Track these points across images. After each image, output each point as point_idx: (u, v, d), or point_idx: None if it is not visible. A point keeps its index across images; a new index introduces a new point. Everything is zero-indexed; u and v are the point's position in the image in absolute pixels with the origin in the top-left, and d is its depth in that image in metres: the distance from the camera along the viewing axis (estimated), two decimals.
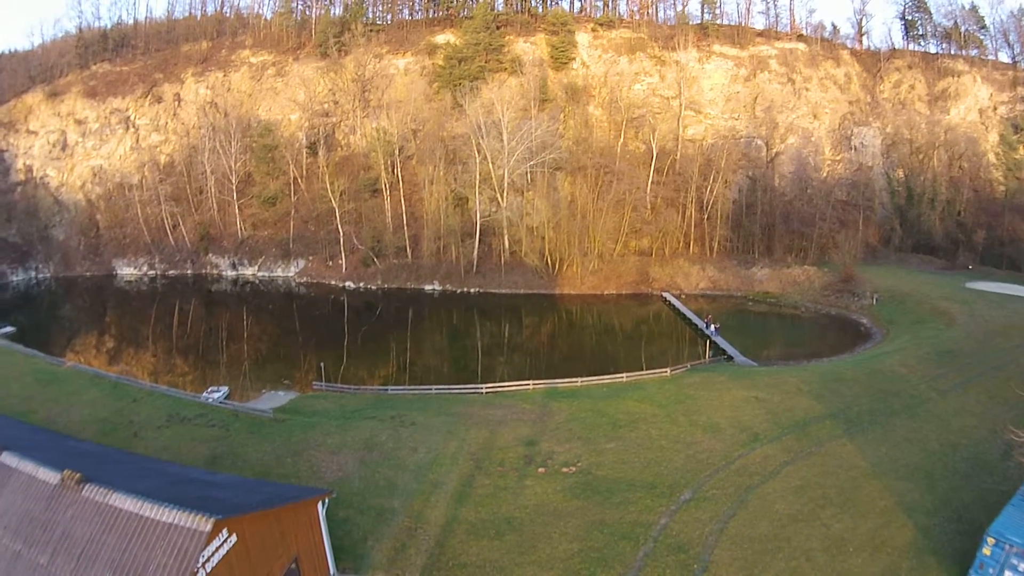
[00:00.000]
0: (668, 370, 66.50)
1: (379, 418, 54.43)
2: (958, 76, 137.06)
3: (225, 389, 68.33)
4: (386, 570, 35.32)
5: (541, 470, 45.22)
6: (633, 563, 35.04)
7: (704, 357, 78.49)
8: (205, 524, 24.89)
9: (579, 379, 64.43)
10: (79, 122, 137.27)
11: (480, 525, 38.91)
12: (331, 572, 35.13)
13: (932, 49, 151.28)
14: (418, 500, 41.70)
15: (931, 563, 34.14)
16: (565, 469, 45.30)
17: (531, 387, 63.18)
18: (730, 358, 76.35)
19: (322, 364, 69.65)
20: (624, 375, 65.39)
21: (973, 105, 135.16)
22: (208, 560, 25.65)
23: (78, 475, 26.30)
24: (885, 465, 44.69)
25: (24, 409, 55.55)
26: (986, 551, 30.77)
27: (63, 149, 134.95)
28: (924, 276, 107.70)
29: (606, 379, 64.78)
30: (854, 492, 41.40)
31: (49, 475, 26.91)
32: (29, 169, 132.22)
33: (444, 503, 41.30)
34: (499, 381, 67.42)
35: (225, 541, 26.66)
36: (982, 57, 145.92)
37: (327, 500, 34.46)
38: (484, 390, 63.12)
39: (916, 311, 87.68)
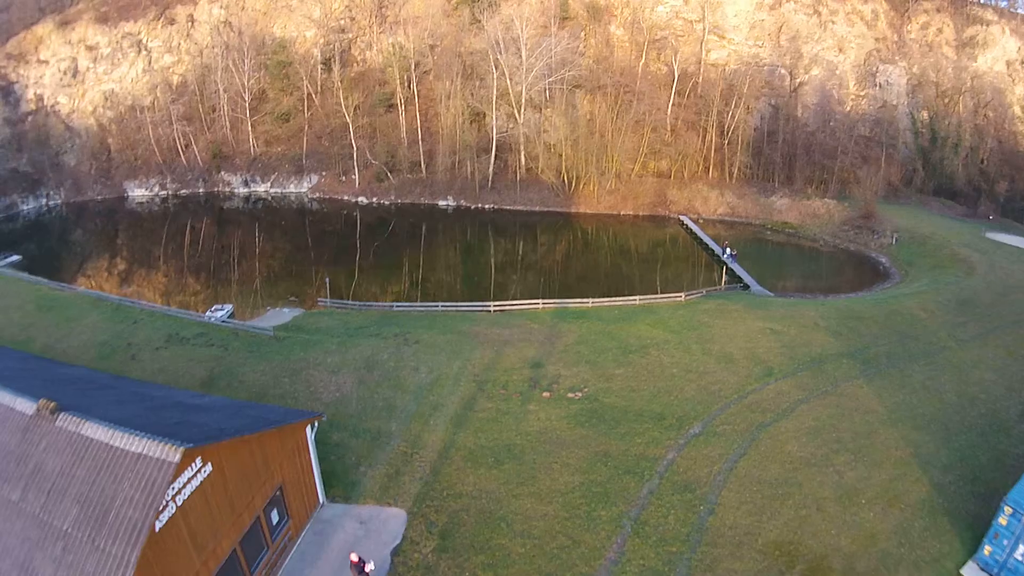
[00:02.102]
0: (682, 295, 63.50)
1: (382, 336, 52.20)
2: (987, 25, 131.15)
3: (229, 307, 66.36)
4: (377, 499, 33.42)
5: (546, 394, 42.94)
6: (636, 500, 32.93)
7: (720, 284, 75.81)
8: (174, 454, 22.96)
9: (590, 300, 61.77)
10: (90, 48, 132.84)
11: (479, 452, 36.88)
12: (320, 501, 33.28)
13: None
14: (416, 423, 39.68)
15: (944, 525, 32.10)
16: (571, 394, 43.01)
17: (540, 306, 60.67)
18: (746, 287, 73.59)
19: (327, 280, 67.32)
20: (637, 298, 62.69)
21: (1000, 56, 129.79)
22: (179, 492, 23.85)
23: (52, 404, 24.44)
24: (902, 412, 42.35)
25: (24, 337, 54.43)
26: (1002, 520, 28.43)
27: (74, 76, 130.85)
28: (944, 220, 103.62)
29: (618, 301, 62.17)
30: (869, 438, 39.19)
31: (26, 405, 25.08)
32: (40, 98, 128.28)
33: (443, 427, 39.27)
34: (512, 299, 65.50)
35: (199, 471, 24.85)
36: (1011, 9, 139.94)
37: (317, 424, 32.39)
38: (492, 308, 60.63)
39: (935, 255, 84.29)
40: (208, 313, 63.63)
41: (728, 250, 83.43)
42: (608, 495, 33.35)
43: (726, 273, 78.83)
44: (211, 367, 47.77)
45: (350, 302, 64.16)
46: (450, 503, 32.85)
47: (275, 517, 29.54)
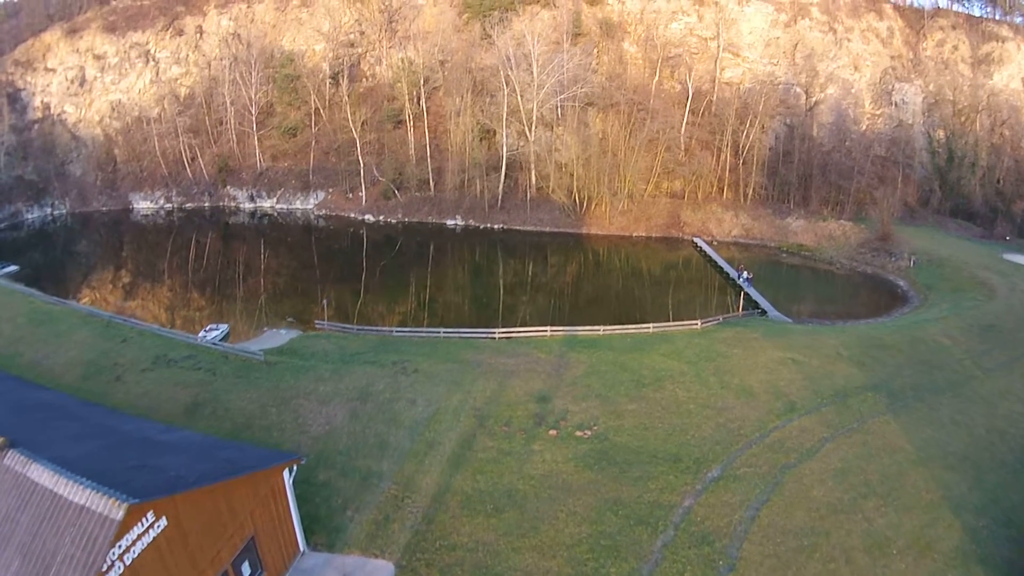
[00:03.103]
0: (698, 322, 59.65)
1: (379, 363, 48.87)
2: (1002, 42, 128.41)
3: (224, 327, 63.87)
4: (363, 548, 30.27)
5: (552, 432, 39.52)
6: (649, 555, 29.69)
7: (736, 309, 72.65)
8: (118, 510, 20.32)
9: (601, 327, 57.95)
10: (98, 57, 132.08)
11: (477, 497, 33.59)
12: (300, 549, 30.05)
13: (976, 12, 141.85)
14: (410, 463, 36.41)
15: (979, 574, 29.66)
16: (579, 433, 39.61)
17: (548, 334, 56.96)
18: (763, 312, 70.24)
19: (324, 302, 64.19)
20: (651, 326, 58.90)
21: (1016, 73, 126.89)
22: (127, 550, 20.91)
23: (2, 440, 22.20)
24: (931, 450, 39.69)
25: (11, 351, 52.63)
26: None
27: (81, 85, 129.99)
28: (961, 242, 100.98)
29: (631, 329, 58.28)
30: (899, 480, 36.54)
31: None
32: (47, 107, 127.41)
33: (438, 468, 35.98)
34: (520, 322, 63.72)
35: (151, 526, 22.07)
36: None
37: (295, 467, 29.19)
38: (497, 335, 57.00)
39: (954, 278, 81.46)
40: (202, 333, 61.30)
41: (744, 273, 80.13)
42: (618, 549, 30.04)
43: (743, 298, 75.29)
44: (196, 393, 44.81)
45: (346, 325, 60.88)
46: (443, 556, 29.58)
47: (246, 570, 26.61)
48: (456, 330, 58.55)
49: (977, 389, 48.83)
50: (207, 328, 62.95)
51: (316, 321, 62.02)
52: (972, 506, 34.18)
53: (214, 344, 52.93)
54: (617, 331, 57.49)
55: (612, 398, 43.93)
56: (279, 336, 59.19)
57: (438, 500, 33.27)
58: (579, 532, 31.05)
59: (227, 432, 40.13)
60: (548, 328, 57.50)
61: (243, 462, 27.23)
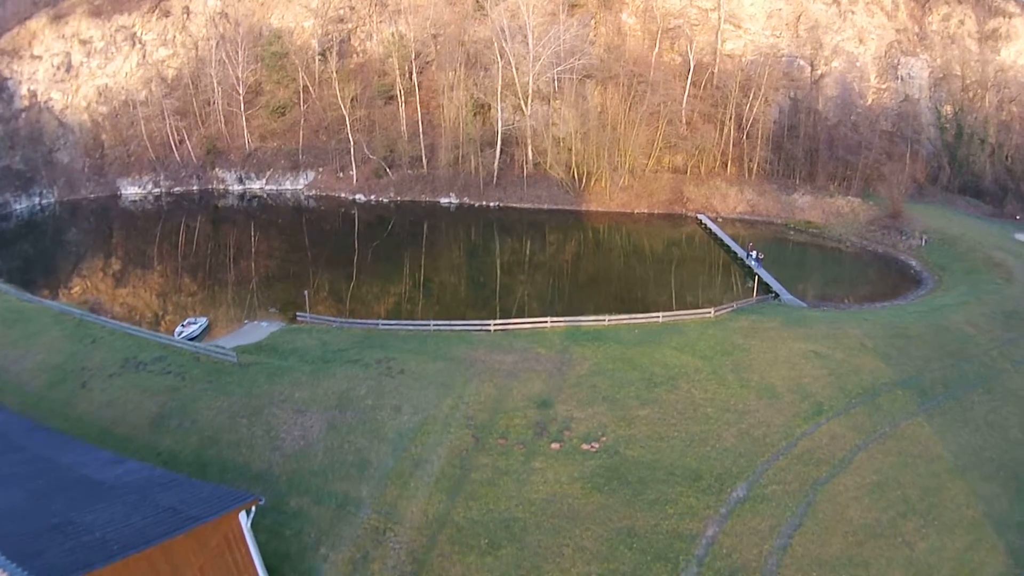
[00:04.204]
0: (712, 310, 54.32)
1: (363, 362, 43.82)
2: (1009, 17, 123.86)
3: (203, 321, 59.35)
4: None
5: (555, 445, 34.62)
6: None
7: (751, 293, 67.88)
8: None
9: (606, 317, 52.62)
10: (84, 42, 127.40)
11: (469, 529, 28.95)
12: None
13: None
14: (393, 486, 31.70)
15: None
16: (585, 446, 34.66)
17: (548, 326, 51.67)
18: (776, 296, 65.51)
19: (306, 292, 58.87)
20: (660, 315, 53.32)
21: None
22: None
23: None
24: (968, 458, 36.39)
25: None
26: None
27: (67, 71, 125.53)
28: (972, 220, 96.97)
29: (639, 318, 52.90)
30: (938, 495, 33.07)
31: None
32: (33, 94, 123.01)
33: (425, 492, 31.26)
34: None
35: None
36: None
37: (254, 509, 24.42)
38: (493, 327, 51.51)
39: (968, 258, 77.88)
40: (179, 328, 57.11)
41: (754, 253, 75.16)
42: None
43: (757, 284, 70.09)
44: (163, 402, 40.30)
45: (329, 318, 55.56)
46: None
47: None
48: (448, 323, 52.88)
49: (1008, 384, 45.31)
50: (184, 323, 58.40)
51: (298, 314, 56.92)
52: (1014, 523, 31.24)
53: (185, 345, 48.08)
54: (624, 321, 52.07)
55: (621, 401, 38.96)
56: (259, 330, 54.33)
57: (424, 533, 28.60)
58: (588, 572, 26.48)
59: (193, 449, 35.90)
60: (548, 320, 52.09)
61: (189, 509, 22.53)
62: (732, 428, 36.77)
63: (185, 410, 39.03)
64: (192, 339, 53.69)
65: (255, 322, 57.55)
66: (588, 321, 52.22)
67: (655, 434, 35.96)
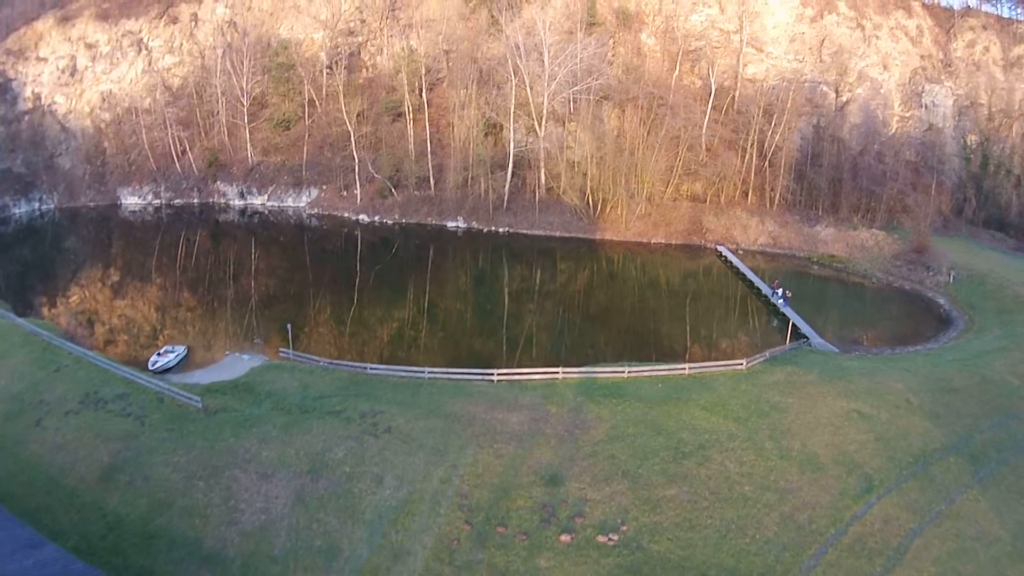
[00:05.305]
0: (744, 362, 48.04)
1: (345, 414, 38.13)
2: None
3: (181, 350, 53.69)
4: None
5: (565, 537, 28.63)
6: None
7: (775, 332, 62.39)
8: None
9: (626, 368, 46.46)
10: (90, 46, 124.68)
11: None
12: None
13: (1005, 13, 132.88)
14: None
15: None
16: (602, 538, 28.71)
17: (560, 377, 45.44)
18: (806, 339, 59.52)
19: (289, 326, 52.82)
20: (687, 366, 47.10)
21: None
22: None
23: None
24: None
25: None
26: None
27: (72, 75, 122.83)
28: (997, 255, 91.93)
29: (661, 369, 46.47)
30: None
31: None
32: (37, 97, 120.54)
33: None
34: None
35: None
36: None
37: None
38: (496, 377, 45.26)
39: (998, 297, 72.96)
40: (154, 357, 51.80)
41: (780, 291, 69.11)
42: None
43: (790, 328, 63.62)
44: (118, 450, 35.29)
45: (313, 357, 49.25)
46: None
47: None
48: (445, 371, 46.48)
49: None
50: (161, 351, 52.92)
51: (280, 350, 50.96)
52: None
53: (150, 383, 42.34)
54: (645, 372, 45.58)
55: (644, 477, 32.97)
56: (239, 364, 49.04)
57: None
58: None
59: (141, 513, 30.79)
60: (560, 370, 45.61)
61: None
62: (773, 512, 31.03)
63: (139, 463, 33.95)
64: (167, 370, 49.62)
65: (236, 354, 51.84)
66: (605, 373, 46.01)
67: (685, 521, 30.11)
